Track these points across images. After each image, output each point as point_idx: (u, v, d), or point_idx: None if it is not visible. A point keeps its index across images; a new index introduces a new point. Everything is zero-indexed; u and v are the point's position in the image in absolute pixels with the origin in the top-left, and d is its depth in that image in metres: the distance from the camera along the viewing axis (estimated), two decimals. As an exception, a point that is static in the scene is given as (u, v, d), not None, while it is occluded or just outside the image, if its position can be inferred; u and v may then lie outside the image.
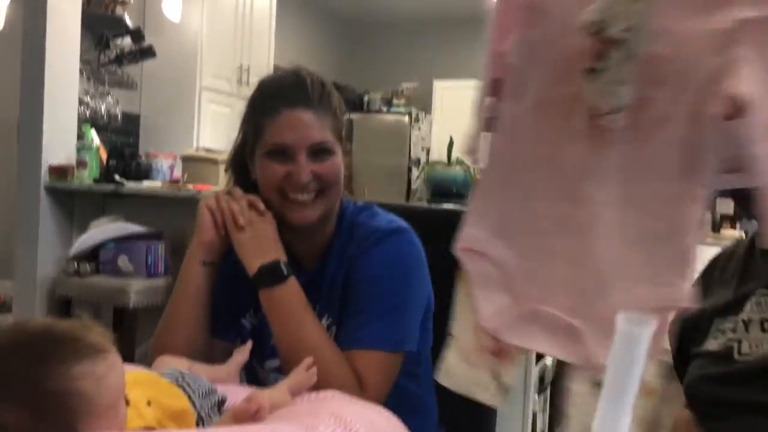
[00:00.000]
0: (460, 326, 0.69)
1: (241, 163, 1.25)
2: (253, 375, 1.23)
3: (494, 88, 0.67)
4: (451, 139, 3.48)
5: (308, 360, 1.04)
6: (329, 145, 1.16)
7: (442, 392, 1.34)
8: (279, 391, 0.95)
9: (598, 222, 0.60)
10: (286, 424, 0.74)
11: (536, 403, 2.94)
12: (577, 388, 0.62)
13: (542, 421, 3.15)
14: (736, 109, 0.55)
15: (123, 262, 2.80)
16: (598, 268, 0.61)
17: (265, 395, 0.86)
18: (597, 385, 0.59)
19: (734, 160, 0.56)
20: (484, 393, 0.69)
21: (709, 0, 0.55)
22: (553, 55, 0.61)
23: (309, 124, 1.14)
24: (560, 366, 3.33)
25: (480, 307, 0.66)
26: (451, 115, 6.22)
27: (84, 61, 3.34)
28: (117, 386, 0.72)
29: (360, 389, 1.07)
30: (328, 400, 0.94)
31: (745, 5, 0.54)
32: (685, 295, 0.59)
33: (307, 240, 1.23)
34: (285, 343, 1.12)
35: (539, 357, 2.97)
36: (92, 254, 2.85)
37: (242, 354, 1.11)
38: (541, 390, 3.03)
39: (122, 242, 2.81)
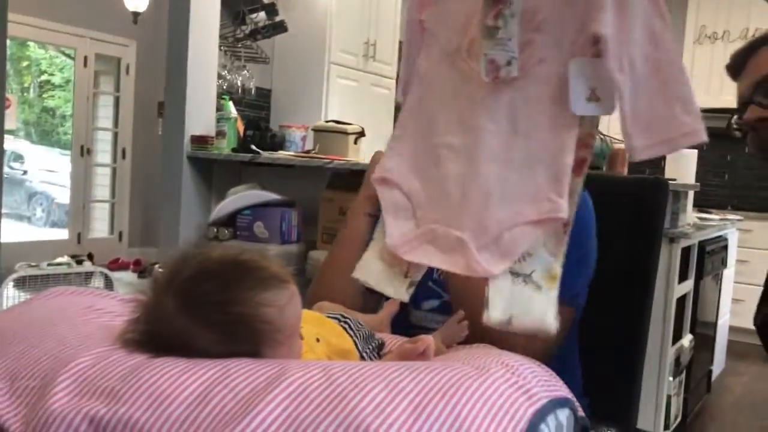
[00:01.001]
0: (381, 231, 0.80)
1: None
2: (404, 317, 1.23)
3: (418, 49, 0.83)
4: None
5: (460, 313, 1.03)
6: None
7: (586, 369, 1.31)
8: (434, 340, 0.95)
9: (483, 148, 0.72)
10: (458, 363, 0.74)
11: (671, 386, 2.81)
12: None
13: (677, 405, 3.01)
14: (600, 49, 0.67)
15: (259, 228, 2.90)
16: (483, 188, 0.72)
17: (430, 338, 0.86)
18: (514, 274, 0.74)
19: (595, 92, 0.68)
20: (389, 287, 0.82)
21: None
22: (457, 14, 0.76)
23: None
24: (698, 349, 3.17)
25: (388, 229, 0.78)
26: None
27: (221, 36, 3.48)
28: (296, 317, 0.74)
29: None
30: (485, 350, 0.93)
31: None
32: (562, 208, 0.69)
33: None
34: (454, 285, 1.12)
35: (675, 338, 2.84)
36: (230, 220, 2.98)
37: (393, 305, 1.12)
38: (676, 373, 2.89)
39: (258, 209, 2.91)
